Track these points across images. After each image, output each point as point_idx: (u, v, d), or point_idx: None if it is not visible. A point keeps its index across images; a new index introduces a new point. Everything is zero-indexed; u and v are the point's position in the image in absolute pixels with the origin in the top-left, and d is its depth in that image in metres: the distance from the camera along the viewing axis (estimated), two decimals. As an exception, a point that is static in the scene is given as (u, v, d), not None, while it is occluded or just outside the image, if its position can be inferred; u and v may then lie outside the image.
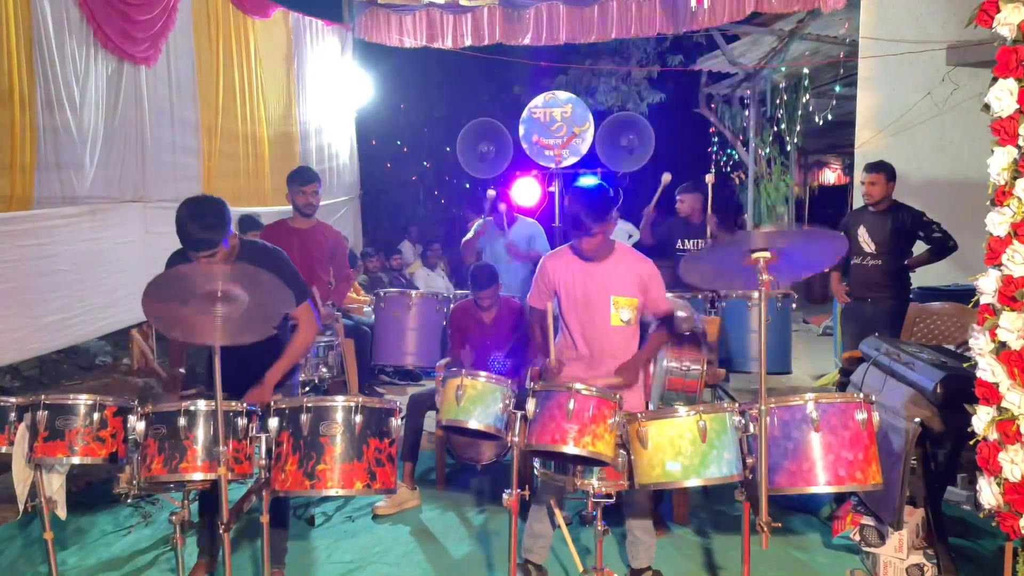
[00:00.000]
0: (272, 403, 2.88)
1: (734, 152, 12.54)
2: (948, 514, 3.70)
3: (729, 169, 13.14)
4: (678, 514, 4.23)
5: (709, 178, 6.12)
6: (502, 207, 6.10)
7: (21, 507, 2.96)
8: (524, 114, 7.82)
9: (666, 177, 6.17)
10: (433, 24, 8.08)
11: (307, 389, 4.42)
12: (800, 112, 11.15)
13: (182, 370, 3.58)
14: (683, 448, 2.69)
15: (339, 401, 2.78)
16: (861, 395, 2.74)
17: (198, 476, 2.78)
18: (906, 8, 6.88)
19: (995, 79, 2.66)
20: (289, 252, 4.85)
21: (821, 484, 2.66)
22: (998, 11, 2.62)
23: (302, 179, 4.94)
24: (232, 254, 3.20)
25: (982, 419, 2.72)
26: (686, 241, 6.10)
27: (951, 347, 4.02)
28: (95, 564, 3.85)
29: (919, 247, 5.44)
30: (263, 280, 2.64)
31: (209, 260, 3.01)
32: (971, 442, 2.77)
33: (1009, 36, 2.61)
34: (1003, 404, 2.65)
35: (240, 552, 3.91)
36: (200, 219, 3.01)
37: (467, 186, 10.34)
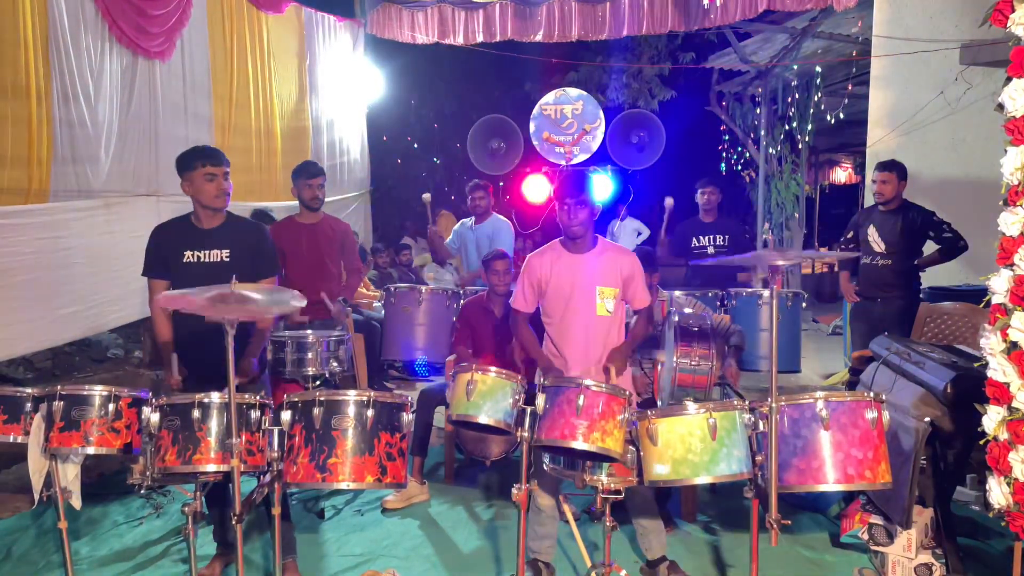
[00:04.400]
0: (285, 396, 2.91)
1: (745, 150, 12.52)
2: (957, 514, 3.70)
3: (740, 167, 13.11)
4: (686, 511, 4.25)
5: (669, 201, 6.46)
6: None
7: (36, 497, 2.99)
8: (535, 111, 7.84)
9: (668, 201, 6.47)
10: (445, 20, 8.10)
11: (317, 383, 4.44)
12: (812, 110, 11.12)
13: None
14: (693, 445, 2.69)
15: (351, 395, 2.79)
16: (871, 394, 2.74)
17: (211, 468, 2.80)
18: (920, 7, 6.85)
19: (1009, 79, 2.66)
20: (298, 247, 4.93)
21: (830, 482, 2.65)
22: (1013, 10, 2.62)
23: (309, 172, 4.95)
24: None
25: (992, 419, 2.73)
26: (701, 238, 6.11)
27: (962, 347, 4.01)
28: (107, 554, 3.89)
29: (929, 247, 5.43)
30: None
31: (224, 179, 3.42)
32: (981, 442, 2.78)
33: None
34: (1014, 404, 2.65)
35: (250, 544, 3.94)
36: (206, 146, 3.56)
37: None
